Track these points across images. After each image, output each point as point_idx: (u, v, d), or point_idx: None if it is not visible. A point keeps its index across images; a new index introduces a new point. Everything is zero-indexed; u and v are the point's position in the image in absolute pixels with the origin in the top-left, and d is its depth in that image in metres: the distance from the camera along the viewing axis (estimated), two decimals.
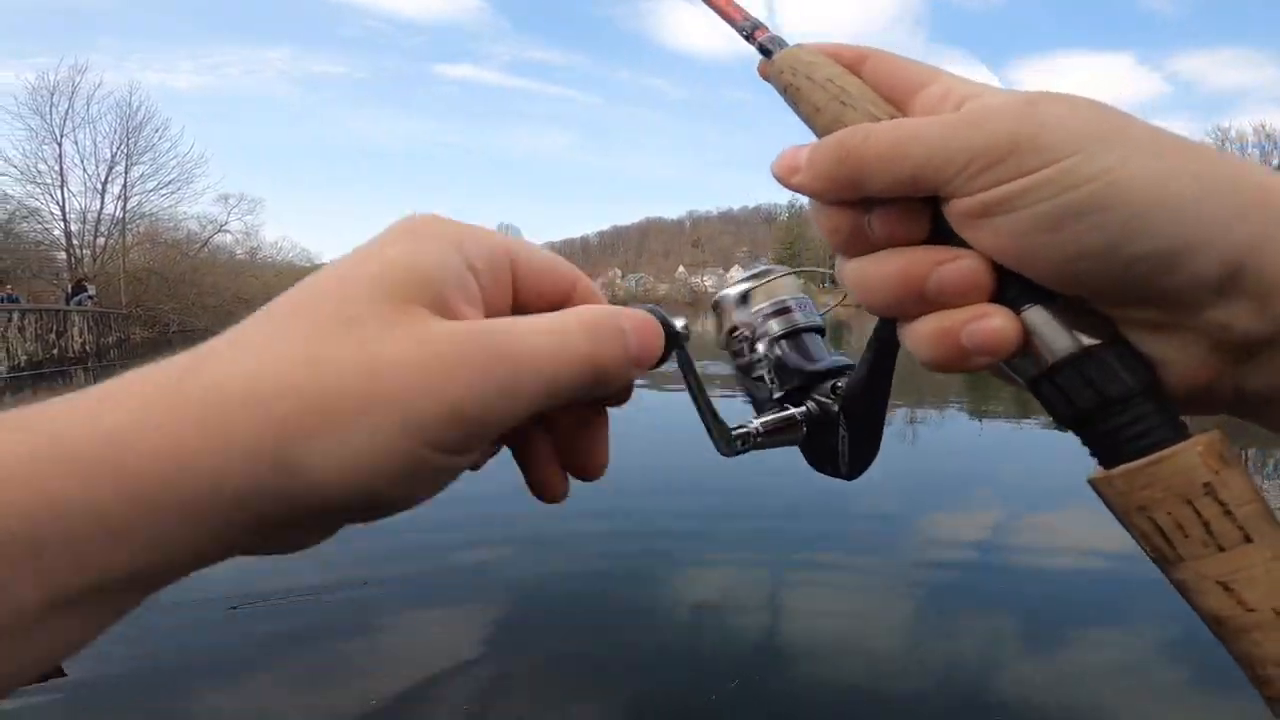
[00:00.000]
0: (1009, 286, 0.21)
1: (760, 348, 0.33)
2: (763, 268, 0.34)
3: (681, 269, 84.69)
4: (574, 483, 0.24)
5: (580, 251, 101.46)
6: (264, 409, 0.18)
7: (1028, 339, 0.21)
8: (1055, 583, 3.20)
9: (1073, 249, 0.19)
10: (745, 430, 0.30)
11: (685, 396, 0.29)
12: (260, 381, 0.18)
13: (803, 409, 0.31)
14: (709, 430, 0.28)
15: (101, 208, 32.50)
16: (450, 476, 0.20)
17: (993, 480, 5.11)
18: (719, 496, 4.57)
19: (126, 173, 33.28)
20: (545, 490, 0.24)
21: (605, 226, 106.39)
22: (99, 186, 32.60)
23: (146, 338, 26.47)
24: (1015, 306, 0.21)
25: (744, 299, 0.33)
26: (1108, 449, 0.20)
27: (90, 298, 22.44)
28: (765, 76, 0.27)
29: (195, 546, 0.18)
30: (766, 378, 0.32)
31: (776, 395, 0.31)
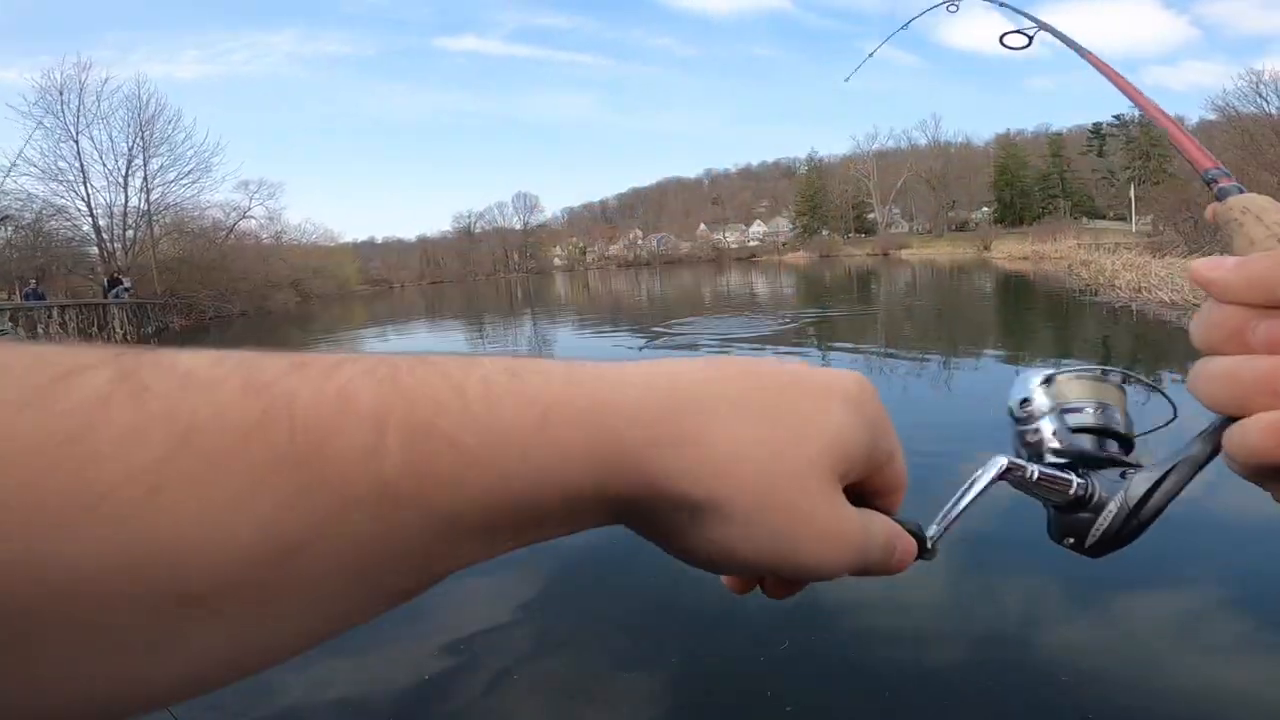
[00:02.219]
0: None
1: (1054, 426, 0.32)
2: (1100, 368, 0.34)
3: (703, 226, 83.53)
4: None
5: (600, 215, 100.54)
6: (730, 481, 0.22)
7: None
8: None
9: None
10: (1020, 466, 0.30)
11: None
12: (740, 462, 0.22)
13: (1082, 481, 0.30)
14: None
15: (126, 201, 33.21)
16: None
17: None
18: None
19: (145, 165, 33.92)
20: (741, 590, 0.30)
21: (624, 189, 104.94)
22: (120, 180, 33.26)
23: (185, 325, 27.08)
24: None
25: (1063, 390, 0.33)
26: None
27: (127, 290, 23.03)
28: (1212, 216, 0.30)
29: (574, 524, 0.21)
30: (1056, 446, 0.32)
31: (1059, 459, 0.31)
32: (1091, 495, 0.30)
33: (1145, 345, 8.26)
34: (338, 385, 0.17)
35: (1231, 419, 0.24)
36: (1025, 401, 0.32)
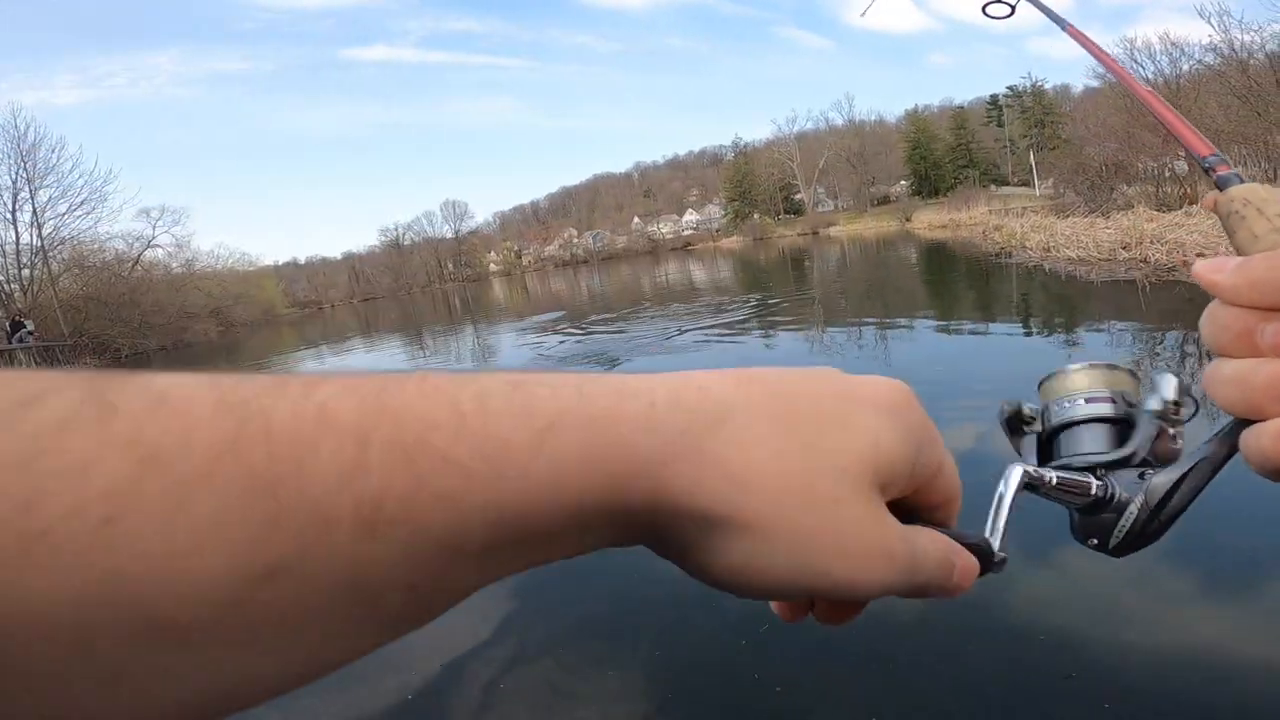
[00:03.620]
0: None
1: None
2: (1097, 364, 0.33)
3: (636, 220, 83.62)
4: None
5: (532, 216, 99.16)
6: (753, 495, 0.20)
7: None
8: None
9: None
10: (1038, 474, 0.30)
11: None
12: (764, 476, 0.20)
13: (1101, 483, 0.30)
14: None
15: (17, 238, 30.67)
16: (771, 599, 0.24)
17: (966, 385, 5.30)
18: None
19: (33, 198, 31.30)
20: (789, 617, 0.28)
21: (554, 189, 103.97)
22: (8, 216, 30.68)
23: (100, 366, 25.29)
24: None
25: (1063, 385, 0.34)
26: None
27: (30, 333, 21.37)
28: (1213, 205, 0.30)
29: (595, 546, 0.21)
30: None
31: (1083, 465, 0.31)
32: (1112, 496, 0.30)
33: (1058, 300, 8.88)
34: (318, 402, 0.16)
35: (1247, 421, 0.24)
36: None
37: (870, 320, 8.85)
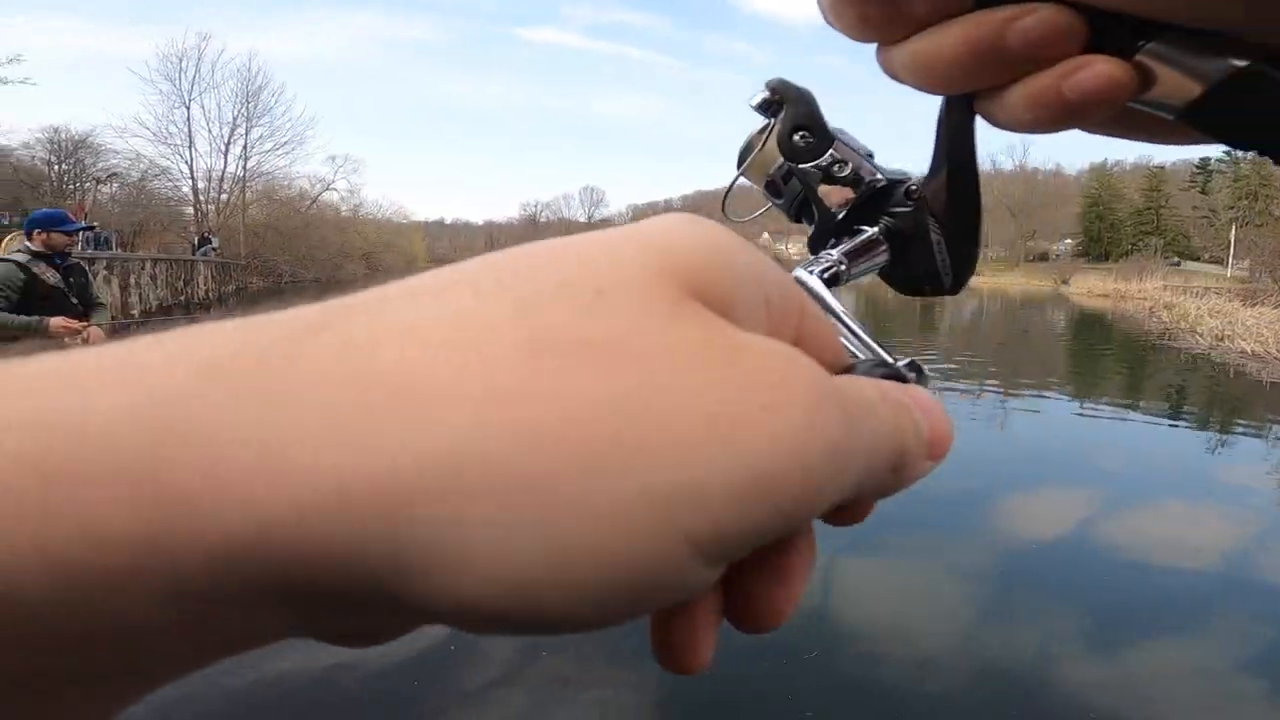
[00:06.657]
0: (1109, 30, 0.17)
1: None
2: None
3: (765, 235, 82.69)
4: None
5: (663, 214, 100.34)
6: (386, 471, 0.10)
7: (1156, 76, 0.17)
8: (1134, 580, 2.97)
9: None
10: (831, 268, 0.25)
11: None
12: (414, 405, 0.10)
13: (878, 226, 0.26)
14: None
15: (225, 167, 35.53)
16: (658, 606, 0.12)
17: (1084, 469, 4.75)
18: None
19: (247, 134, 36.24)
20: (685, 656, 0.14)
21: (689, 191, 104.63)
22: (222, 147, 35.64)
23: (263, 286, 28.67)
24: (1125, 49, 0.17)
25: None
26: None
27: (214, 249, 24.54)
28: None
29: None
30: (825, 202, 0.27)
31: (840, 217, 0.27)
32: (900, 230, 0.26)
33: (1219, 396, 7.74)
34: None
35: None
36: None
37: (993, 386, 8.12)
